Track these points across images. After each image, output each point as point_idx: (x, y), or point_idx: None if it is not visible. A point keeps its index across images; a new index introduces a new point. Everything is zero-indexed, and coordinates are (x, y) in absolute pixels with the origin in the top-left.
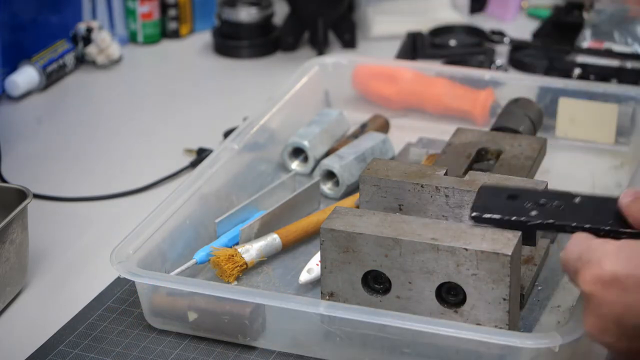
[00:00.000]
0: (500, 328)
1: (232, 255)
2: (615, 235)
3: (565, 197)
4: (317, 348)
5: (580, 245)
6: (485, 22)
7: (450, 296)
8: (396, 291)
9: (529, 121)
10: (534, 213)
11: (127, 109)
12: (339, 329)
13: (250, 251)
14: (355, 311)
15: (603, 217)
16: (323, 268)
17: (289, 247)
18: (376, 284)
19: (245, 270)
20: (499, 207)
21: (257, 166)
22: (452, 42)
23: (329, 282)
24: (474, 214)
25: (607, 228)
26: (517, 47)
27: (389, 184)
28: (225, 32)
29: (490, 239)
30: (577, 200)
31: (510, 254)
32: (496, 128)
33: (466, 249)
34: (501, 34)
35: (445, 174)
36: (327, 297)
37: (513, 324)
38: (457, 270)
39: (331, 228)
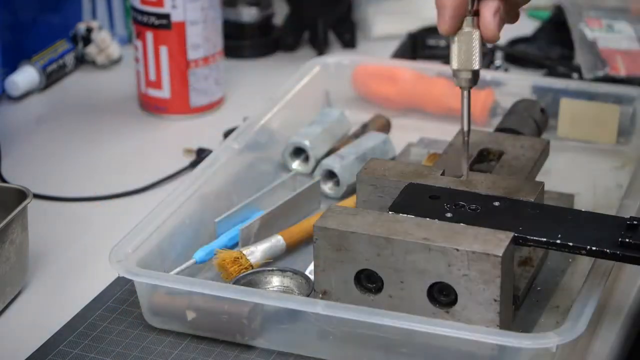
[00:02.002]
0: None
1: (238, 258)
2: (524, 240)
3: (486, 200)
4: (316, 348)
5: None
6: None
7: (442, 296)
8: (388, 290)
9: (533, 122)
10: (448, 215)
11: (126, 109)
12: (336, 328)
13: (255, 253)
14: (351, 310)
15: (516, 222)
16: (316, 266)
17: (292, 248)
18: (369, 282)
19: None
20: (417, 207)
21: (257, 166)
22: None
23: (322, 280)
24: (389, 212)
25: (516, 234)
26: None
27: (385, 183)
28: (226, 32)
29: (482, 240)
30: (496, 204)
31: (501, 254)
32: (500, 129)
33: (457, 249)
34: None
35: (442, 174)
36: (320, 295)
37: (505, 325)
38: (449, 271)
39: (324, 226)
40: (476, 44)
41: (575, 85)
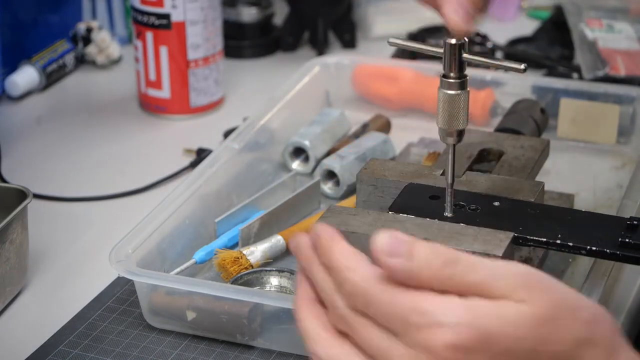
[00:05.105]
0: None
1: (238, 258)
2: (524, 240)
3: (486, 200)
4: None
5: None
6: (485, 22)
7: None
8: None
9: (533, 122)
10: (449, 214)
11: (126, 109)
12: None
13: (255, 253)
14: None
15: (516, 222)
16: None
17: None
18: None
19: None
20: (417, 207)
21: (257, 166)
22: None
23: None
24: (389, 212)
25: (516, 235)
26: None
27: (385, 183)
28: (225, 32)
29: (482, 240)
30: (496, 204)
31: (501, 255)
32: (500, 129)
33: (457, 250)
34: (485, 37)
35: (442, 174)
36: None
37: None
38: None
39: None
40: (462, 106)
41: (575, 85)
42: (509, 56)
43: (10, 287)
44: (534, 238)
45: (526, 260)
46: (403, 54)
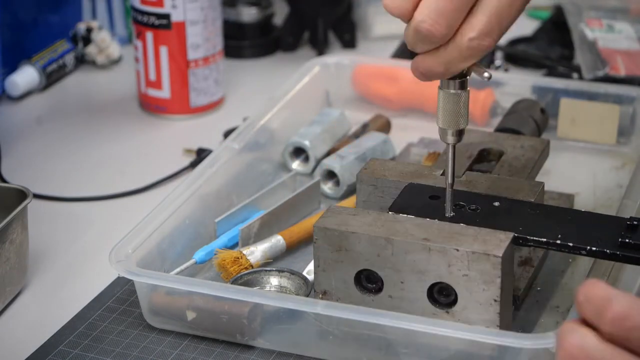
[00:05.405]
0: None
1: (238, 258)
2: (524, 241)
3: (486, 200)
4: (316, 348)
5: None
6: None
7: (442, 296)
8: (388, 291)
9: (533, 122)
10: (449, 214)
11: (126, 109)
12: (336, 328)
13: (255, 253)
14: (351, 310)
15: (516, 222)
16: (316, 267)
17: (292, 248)
18: (369, 283)
19: None
20: (417, 207)
21: (257, 166)
22: None
23: (322, 281)
24: (389, 212)
25: (516, 235)
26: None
27: (385, 183)
28: (225, 32)
29: (482, 240)
30: (496, 204)
31: (501, 255)
32: (500, 129)
33: (457, 250)
34: None
35: (442, 174)
36: (320, 296)
37: (505, 326)
38: (449, 271)
39: (324, 227)
40: (462, 106)
41: (575, 85)
42: (509, 56)
43: (10, 287)
44: (534, 238)
45: (526, 260)
46: (403, 54)
